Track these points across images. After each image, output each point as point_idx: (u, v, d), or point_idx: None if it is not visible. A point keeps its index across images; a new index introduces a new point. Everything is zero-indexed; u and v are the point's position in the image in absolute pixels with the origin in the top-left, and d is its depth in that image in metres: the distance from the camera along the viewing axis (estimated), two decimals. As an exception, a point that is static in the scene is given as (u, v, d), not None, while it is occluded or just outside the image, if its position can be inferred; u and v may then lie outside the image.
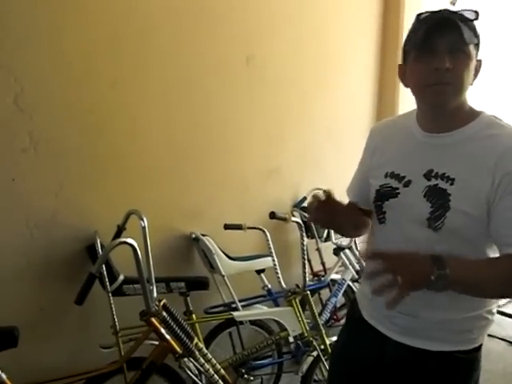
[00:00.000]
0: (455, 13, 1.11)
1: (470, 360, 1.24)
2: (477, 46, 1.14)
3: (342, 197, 1.59)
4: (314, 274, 3.19)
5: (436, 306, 1.20)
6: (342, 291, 3.02)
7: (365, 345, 1.38)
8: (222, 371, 1.99)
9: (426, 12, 1.14)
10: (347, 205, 1.45)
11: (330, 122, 3.23)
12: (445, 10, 1.13)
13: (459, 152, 1.15)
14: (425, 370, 1.25)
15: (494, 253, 1.18)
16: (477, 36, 1.13)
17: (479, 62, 1.17)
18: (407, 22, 3.59)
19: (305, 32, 3.00)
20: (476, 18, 1.11)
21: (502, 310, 3.61)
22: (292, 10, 2.90)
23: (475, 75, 1.17)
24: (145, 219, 1.87)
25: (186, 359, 1.85)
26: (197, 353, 1.88)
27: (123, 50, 2.19)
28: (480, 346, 1.25)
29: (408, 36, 1.19)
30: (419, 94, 1.18)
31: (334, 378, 1.54)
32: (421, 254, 1.03)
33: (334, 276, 3.07)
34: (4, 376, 1.57)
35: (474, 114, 1.18)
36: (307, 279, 2.37)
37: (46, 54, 1.97)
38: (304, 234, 2.34)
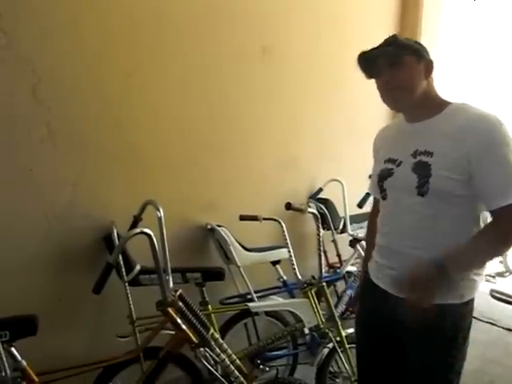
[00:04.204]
0: (382, 44, 1.46)
1: (457, 312, 1.44)
2: (415, 53, 1.42)
3: (359, 187, 1.61)
4: (330, 266, 3.18)
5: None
6: (357, 283, 3.00)
7: (375, 302, 1.59)
8: (238, 361, 1.99)
9: (361, 53, 1.47)
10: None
11: (348, 114, 3.20)
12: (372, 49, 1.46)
13: (436, 132, 1.41)
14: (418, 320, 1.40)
15: (480, 213, 1.42)
16: (408, 48, 1.42)
17: (427, 61, 1.45)
18: (426, 11, 3.53)
19: (322, 21, 2.97)
20: (396, 39, 1.44)
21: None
22: (309, 0, 2.86)
23: (428, 71, 1.45)
24: (161, 209, 1.87)
25: (201, 349, 1.86)
26: (213, 343, 1.88)
27: (140, 41, 2.19)
28: (467, 302, 1.44)
29: None
30: (384, 102, 1.50)
31: (361, 341, 1.76)
32: (424, 266, 1.33)
33: (349, 268, 3.05)
34: (24, 363, 1.60)
35: (444, 103, 1.46)
36: (323, 271, 2.36)
37: (63, 45, 1.97)
38: (320, 225, 2.32)
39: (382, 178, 1.55)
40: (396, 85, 1.42)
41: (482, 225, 1.42)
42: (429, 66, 1.46)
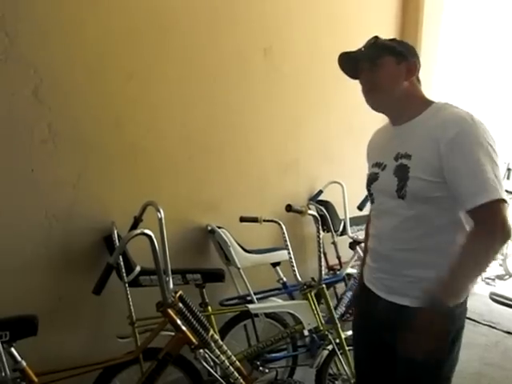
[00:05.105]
0: (363, 46, 1.50)
1: (448, 315, 1.37)
2: (393, 54, 1.43)
3: (359, 189, 1.62)
4: (330, 268, 3.17)
5: (415, 265, 1.42)
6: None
7: (368, 306, 1.58)
8: (237, 363, 1.99)
9: (341, 54, 1.52)
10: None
11: (349, 116, 3.20)
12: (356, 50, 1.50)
13: (415, 134, 1.42)
14: (405, 323, 1.38)
15: (459, 219, 1.39)
16: (387, 49, 1.44)
17: (409, 62, 1.45)
18: (427, 11, 3.53)
19: (323, 23, 2.97)
20: (375, 41, 1.47)
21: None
22: (310, 1, 2.86)
23: (409, 72, 1.45)
24: (161, 211, 1.88)
25: (201, 350, 1.85)
26: (212, 344, 1.88)
27: (141, 42, 2.20)
28: (457, 305, 1.40)
29: None
30: (366, 102, 1.50)
31: (357, 344, 1.75)
32: (425, 318, 1.32)
33: (349, 270, 3.04)
34: (24, 363, 1.60)
35: (427, 104, 1.45)
36: (323, 273, 2.36)
37: (65, 47, 1.98)
38: (320, 227, 2.32)
39: (369, 182, 1.58)
40: (372, 86, 1.45)
41: (465, 225, 1.39)
42: (411, 67, 1.46)
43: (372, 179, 1.55)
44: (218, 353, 1.90)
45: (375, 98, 1.47)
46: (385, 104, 1.48)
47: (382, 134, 1.63)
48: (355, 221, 3.09)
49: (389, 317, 1.48)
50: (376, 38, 1.49)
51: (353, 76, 1.53)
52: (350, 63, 1.51)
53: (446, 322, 1.36)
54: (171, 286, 1.83)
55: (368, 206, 2.93)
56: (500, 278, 4.85)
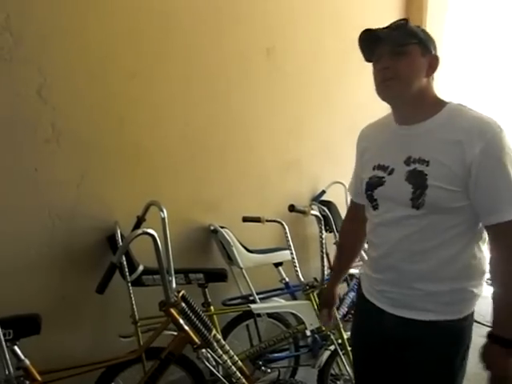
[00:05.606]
0: (390, 25, 1.32)
1: (456, 328, 1.35)
2: (420, 44, 1.29)
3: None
4: (332, 268, 3.17)
5: (424, 278, 1.33)
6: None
7: (369, 321, 1.51)
8: (240, 363, 1.99)
9: (364, 30, 1.32)
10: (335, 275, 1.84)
11: (352, 115, 3.19)
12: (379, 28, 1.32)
13: (431, 138, 1.29)
14: (414, 338, 1.36)
15: (475, 229, 1.31)
16: (415, 36, 1.28)
17: (432, 56, 1.32)
18: (431, 12, 3.52)
19: (326, 23, 2.97)
20: (406, 24, 1.30)
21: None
22: (313, 1, 2.86)
23: (431, 68, 1.32)
24: (164, 210, 1.88)
25: (203, 350, 1.86)
26: (215, 344, 1.88)
27: (143, 42, 2.20)
28: (466, 317, 1.35)
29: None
30: (377, 91, 1.35)
31: (355, 357, 1.68)
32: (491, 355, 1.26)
33: (351, 270, 3.04)
34: (27, 362, 1.61)
35: (440, 105, 1.32)
36: (325, 273, 2.36)
37: (68, 46, 1.98)
38: (323, 227, 2.32)
39: (371, 187, 1.43)
40: (393, 74, 1.28)
41: (481, 237, 1.33)
42: (433, 63, 1.32)
43: (376, 184, 1.41)
44: (221, 352, 1.90)
45: (393, 89, 1.29)
46: (401, 98, 1.32)
47: (382, 132, 1.47)
48: (358, 221, 3.08)
49: (396, 332, 1.39)
50: (406, 20, 1.31)
51: (368, 58, 1.37)
52: (370, 42, 1.32)
53: (458, 337, 1.35)
54: (174, 285, 1.83)
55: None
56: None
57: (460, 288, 1.33)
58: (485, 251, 1.37)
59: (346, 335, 2.34)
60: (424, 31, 1.33)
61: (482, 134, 1.21)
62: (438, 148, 1.27)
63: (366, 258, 2.93)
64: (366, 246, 2.94)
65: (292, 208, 2.25)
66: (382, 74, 1.30)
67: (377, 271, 1.46)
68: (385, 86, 1.31)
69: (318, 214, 2.35)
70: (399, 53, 1.27)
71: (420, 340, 1.36)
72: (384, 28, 1.32)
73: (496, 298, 1.27)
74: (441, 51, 1.38)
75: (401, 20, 1.32)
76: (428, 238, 1.31)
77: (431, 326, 1.34)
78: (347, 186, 1.69)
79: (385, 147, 1.43)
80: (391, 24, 1.32)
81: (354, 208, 1.69)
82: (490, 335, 1.27)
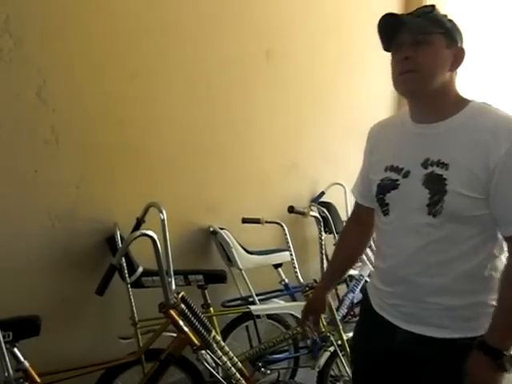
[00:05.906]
0: (414, 12, 1.21)
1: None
2: (446, 34, 1.18)
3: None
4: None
5: (440, 292, 1.23)
6: (359, 287, 2.99)
7: (377, 335, 1.40)
8: (239, 364, 2.00)
9: (384, 15, 1.20)
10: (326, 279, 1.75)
11: (350, 117, 3.20)
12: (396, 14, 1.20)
13: (452, 139, 1.18)
14: (430, 356, 1.25)
15: (496, 239, 1.21)
16: (441, 26, 1.17)
17: (458, 49, 1.20)
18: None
19: (326, 25, 2.98)
20: (431, 11, 1.18)
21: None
22: (311, 3, 2.87)
23: (455, 62, 1.20)
24: (164, 212, 1.88)
25: (203, 351, 1.85)
26: (214, 345, 1.89)
27: (144, 43, 2.20)
28: None
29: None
30: (395, 84, 1.24)
31: (356, 370, 1.58)
32: (475, 359, 1.15)
33: (351, 271, 3.04)
34: (27, 364, 1.61)
35: (463, 103, 1.21)
36: (325, 274, 2.36)
37: (68, 48, 1.98)
38: (322, 228, 2.32)
39: (383, 190, 1.31)
40: (414, 66, 1.16)
41: (503, 248, 1.22)
42: (458, 56, 1.20)
43: (389, 187, 1.29)
44: (220, 354, 1.90)
45: (412, 82, 1.18)
46: (421, 93, 1.20)
47: (395, 130, 1.36)
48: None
49: (409, 348, 1.29)
50: (433, 7, 1.19)
51: (387, 47, 1.25)
52: (391, 29, 1.20)
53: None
54: (173, 287, 1.83)
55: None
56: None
57: (478, 302, 1.23)
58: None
59: (346, 336, 2.33)
60: (451, 21, 1.21)
61: (510, 134, 1.10)
62: (459, 150, 1.16)
63: (366, 261, 2.96)
64: (370, 253, 2.98)
65: (291, 209, 2.25)
66: (401, 65, 1.18)
67: (387, 284, 1.34)
68: (403, 79, 1.19)
69: (317, 215, 2.35)
70: (421, 42, 1.15)
71: (436, 358, 1.25)
72: (408, 14, 1.21)
73: (496, 304, 1.20)
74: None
75: (428, 6, 1.20)
76: (445, 249, 1.20)
77: (449, 344, 1.23)
78: (350, 187, 1.59)
79: (398, 147, 1.31)
80: (415, 10, 1.20)
81: (357, 210, 1.57)
82: (478, 340, 1.18)
